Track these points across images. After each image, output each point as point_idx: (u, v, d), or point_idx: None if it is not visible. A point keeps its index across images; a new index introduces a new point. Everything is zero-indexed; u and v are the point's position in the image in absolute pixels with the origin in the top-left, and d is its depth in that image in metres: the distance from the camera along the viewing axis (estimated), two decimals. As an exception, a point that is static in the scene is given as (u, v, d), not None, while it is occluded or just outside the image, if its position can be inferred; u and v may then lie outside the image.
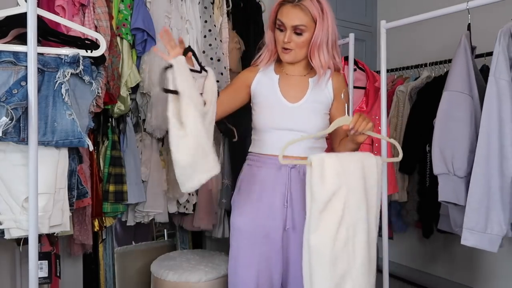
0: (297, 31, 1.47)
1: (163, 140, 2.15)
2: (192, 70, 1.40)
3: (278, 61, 1.62)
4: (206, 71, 1.46)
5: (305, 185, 1.40)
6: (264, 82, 1.57)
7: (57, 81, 1.32)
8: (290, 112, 1.52)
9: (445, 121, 1.65)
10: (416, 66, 2.62)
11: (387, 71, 2.16)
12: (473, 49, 1.79)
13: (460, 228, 1.73)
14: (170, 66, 1.32)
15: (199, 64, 1.45)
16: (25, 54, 1.25)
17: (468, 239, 1.52)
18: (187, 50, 1.40)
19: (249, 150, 1.63)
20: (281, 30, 1.50)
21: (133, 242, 2.35)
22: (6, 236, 1.34)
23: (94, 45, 1.42)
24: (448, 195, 1.64)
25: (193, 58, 1.44)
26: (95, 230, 1.95)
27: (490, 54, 2.01)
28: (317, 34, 1.47)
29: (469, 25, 1.72)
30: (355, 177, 1.38)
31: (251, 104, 1.64)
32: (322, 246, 1.34)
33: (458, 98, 1.62)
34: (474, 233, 1.50)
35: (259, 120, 1.54)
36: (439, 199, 1.66)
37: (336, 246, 1.34)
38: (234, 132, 1.98)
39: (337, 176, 1.35)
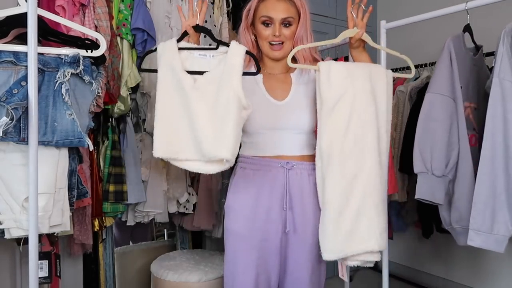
0: (286, 23, 1.49)
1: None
2: (197, 49, 1.40)
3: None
4: (226, 44, 1.39)
5: (302, 184, 1.46)
6: (248, 85, 1.51)
7: (57, 81, 1.32)
8: (280, 110, 1.49)
9: (425, 122, 1.67)
10: (416, 66, 2.60)
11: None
12: (478, 48, 1.80)
13: (450, 226, 1.73)
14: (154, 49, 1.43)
15: (215, 40, 1.44)
16: (25, 54, 1.25)
17: (474, 240, 1.51)
18: (197, 29, 1.44)
19: (240, 153, 1.56)
20: (267, 25, 1.50)
21: (130, 242, 2.35)
22: (6, 236, 1.34)
23: (94, 45, 1.42)
24: (425, 193, 1.66)
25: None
26: (95, 230, 1.95)
27: (489, 54, 2.02)
28: (301, 25, 1.50)
29: (468, 26, 1.72)
30: (362, 80, 1.43)
31: None
32: (332, 147, 1.40)
33: (438, 99, 1.64)
34: (480, 234, 1.49)
35: (249, 122, 1.47)
36: (416, 196, 1.67)
37: (345, 147, 1.40)
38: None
39: (343, 79, 1.41)
